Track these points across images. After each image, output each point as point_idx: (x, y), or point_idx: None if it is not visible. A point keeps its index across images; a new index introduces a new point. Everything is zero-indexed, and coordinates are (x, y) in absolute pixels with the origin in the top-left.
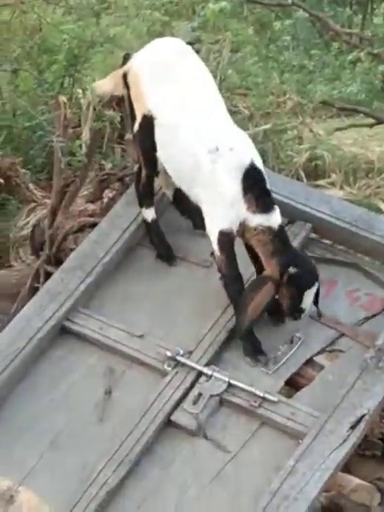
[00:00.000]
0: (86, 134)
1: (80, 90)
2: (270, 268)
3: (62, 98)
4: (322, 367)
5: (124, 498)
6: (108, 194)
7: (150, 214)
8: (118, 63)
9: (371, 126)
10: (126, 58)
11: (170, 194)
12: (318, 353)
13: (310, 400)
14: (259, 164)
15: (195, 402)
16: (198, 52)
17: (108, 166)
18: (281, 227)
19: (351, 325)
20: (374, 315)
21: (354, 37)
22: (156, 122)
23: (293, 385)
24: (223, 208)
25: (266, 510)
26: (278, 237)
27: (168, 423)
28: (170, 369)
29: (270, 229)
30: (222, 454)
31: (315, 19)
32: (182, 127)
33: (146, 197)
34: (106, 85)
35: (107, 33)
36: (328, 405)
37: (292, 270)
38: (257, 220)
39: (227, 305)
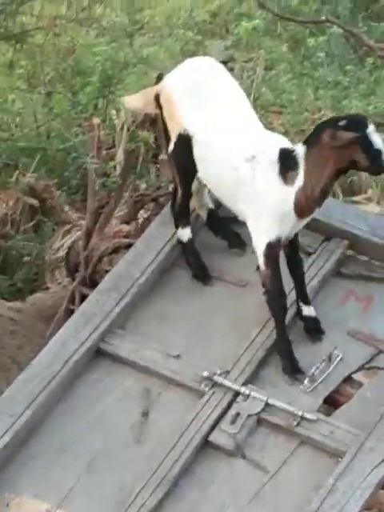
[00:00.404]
0: (120, 155)
1: (114, 111)
2: (321, 140)
3: (96, 120)
4: (360, 384)
5: None
6: (143, 214)
7: (185, 234)
8: (152, 84)
9: None
10: (160, 78)
11: (204, 214)
12: (357, 370)
13: (349, 418)
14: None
15: (233, 422)
16: (231, 70)
17: (142, 186)
18: (304, 142)
19: None
20: None
21: None
22: (194, 140)
23: (331, 403)
24: (269, 216)
25: None
26: (310, 140)
27: (206, 444)
28: (207, 389)
29: (306, 155)
30: (260, 474)
31: (349, 35)
32: (218, 143)
33: (181, 217)
34: (136, 101)
35: (140, 53)
36: (367, 422)
37: (342, 122)
38: (301, 174)
39: (264, 323)
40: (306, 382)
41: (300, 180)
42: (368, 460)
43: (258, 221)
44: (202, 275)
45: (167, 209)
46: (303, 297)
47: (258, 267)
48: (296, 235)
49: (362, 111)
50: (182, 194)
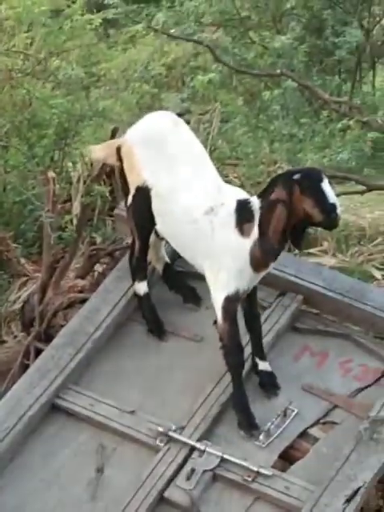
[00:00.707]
0: (76, 208)
1: (70, 164)
2: (275, 194)
3: (51, 174)
4: (316, 439)
5: None
6: (98, 268)
7: (142, 287)
8: (108, 136)
9: (362, 192)
10: (115, 131)
11: (160, 267)
12: (312, 425)
13: (305, 473)
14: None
15: (188, 478)
16: (187, 123)
17: (98, 239)
18: (258, 195)
19: (345, 396)
20: (367, 386)
21: (343, 105)
22: (152, 193)
23: (287, 458)
24: (227, 270)
25: None
26: (264, 195)
27: (161, 500)
28: (162, 445)
29: (260, 209)
30: None
31: (304, 88)
32: (177, 197)
33: (139, 270)
34: (100, 152)
35: (97, 106)
36: (323, 478)
37: (296, 175)
38: (256, 226)
39: (219, 379)
40: (261, 437)
41: (255, 232)
42: None
43: (217, 274)
44: (158, 330)
45: (123, 263)
46: (259, 351)
47: (215, 321)
48: (254, 289)
49: (317, 164)
50: (140, 247)
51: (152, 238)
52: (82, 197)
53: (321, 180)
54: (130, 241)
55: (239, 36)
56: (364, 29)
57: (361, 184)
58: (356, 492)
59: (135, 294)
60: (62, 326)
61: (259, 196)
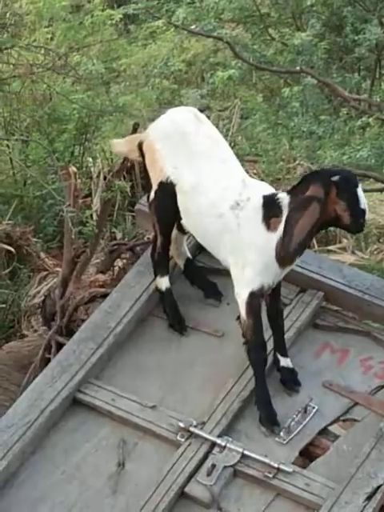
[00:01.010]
0: (96, 204)
1: (90, 159)
2: (310, 190)
3: (72, 168)
4: (336, 437)
5: None
6: (119, 263)
7: (164, 282)
8: (128, 132)
9: (382, 190)
10: (136, 128)
11: (181, 263)
12: (333, 422)
13: (325, 470)
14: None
15: (209, 474)
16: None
17: (118, 235)
18: (288, 192)
19: (365, 393)
20: None
21: (363, 102)
22: (177, 189)
23: (307, 455)
24: (253, 265)
25: None
26: (296, 190)
27: (182, 495)
28: (183, 440)
29: (289, 204)
30: None
31: (324, 85)
32: (202, 191)
33: (161, 265)
34: (122, 146)
35: (117, 102)
36: (343, 475)
37: (335, 177)
38: (284, 217)
39: (240, 374)
40: (282, 433)
41: (282, 227)
42: None
43: (242, 270)
44: (179, 325)
45: (144, 258)
46: (281, 347)
47: (238, 317)
48: (278, 284)
49: (337, 161)
50: (162, 242)
51: (174, 233)
52: (102, 192)
53: (357, 185)
54: (151, 236)
55: (259, 33)
56: None
57: (380, 182)
58: (376, 489)
59: (157, 289)
60: (83, 321)
61: (289, 192)
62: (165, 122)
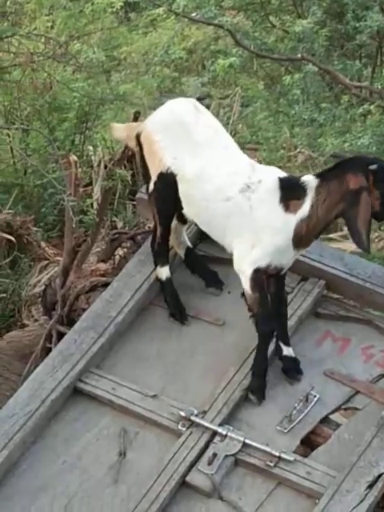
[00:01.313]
0: (97, 193)
1: (91, 148)
2: (352, 182)
3: (73, 157)
4: (338, 425)
5: None
6: (119, 252)
7: (164, 272)
8: (129, 120)
9: None
10: (137, 116)
11: (181, 252)
12: (334, 411)
13: (327, 459)
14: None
15: (210, 463)
16: (207, 107)
17: (119, 224)
18: (317, 175)
19: (366, 382)
20: None
21: (364, 90)
22: (178, 178)
23: (309, 443)
24: (266, 244)
25: None
26: (327, 177)
27: (183, 484)
28: (184, 429)
29: (317, 188)
30: None
31: (325, 73)
32: (207, 178)
33: (161, 255)
34: (121, 131)
35: (117, 90)
36: (345, 463)
37: (373, 166)
38: (308, 204)
39: (241, 363)
40: (283, 422)
41: (305, 210)
42: (345, 502)
43: (251, 248)
44: (180, 315)
45: (144, 247)
46: (284, 336)
47: (242, 294)
48: (283, 274)
49: (338, 149)
50: (162, 232)
51: (173, 223)
52: (103, 181)
53: None
54: (151, 225)
55: (260, 20)
56: None
57: None
58: (378, 478)
59: (157, 279)
60: (84, 310)
61: (318, 175)
62: (163, 113)
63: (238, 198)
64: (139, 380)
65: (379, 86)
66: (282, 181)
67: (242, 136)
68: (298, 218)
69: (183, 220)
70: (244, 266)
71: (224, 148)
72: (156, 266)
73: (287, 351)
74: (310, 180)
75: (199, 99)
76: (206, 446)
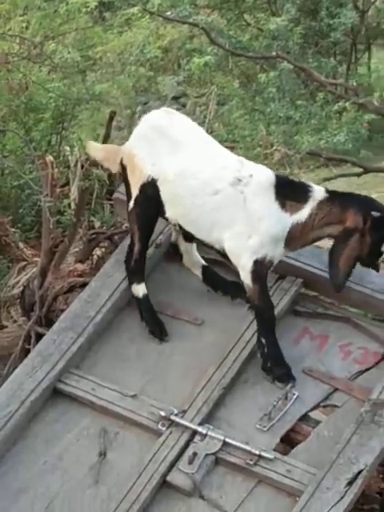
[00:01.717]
0: (74, 193)
1: (68, 148)
2: (350, 219)
3: (49, 158)
4: (317, 422)
5: None
6: (97, 252)
7: (141, 290)
8: (105, 120)
9: (359, 175)
10: (112, 115)
11: (198, 273)
12: (313, 408)
13: (307, 456)
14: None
15: (190, 462)
16: (183, 106)
17: (97, 224)
18: (327, 191)
19: (345, 379)
20: (367, 369)
21: (339, 87)
22: (160, 183)
23: (288, 441)
24: (261, 236)
25: None
26: (336, 195)
27: (164, 484)
28: (164, 429)
29: (321, 202)
30: None
31: (300, 70)
32: (191, 175)
33: (137, 273)
34: (99, 151)
35: (93, 90)
36: (324, 461)
37: (376, 213)
38: (306, 211)
39: (220, 362)
40: (262, 420)
41: (303, 215)
42: (325, 499)
43: (247, 240)
44: (159, 331)
45: (122, 247)
46: None
47: (242, 287)
48: None
49: (314, 146)
50: (140, 249)
51: (183, 245)
52: (80, 181)
53: None
54: (128, 225)
55: (234, 18)
56: (359, 10)
57: (358, 166)
58: (357, 475)
59: (133, 296)
60: (63, 311)
61: (328, 192)
62: (138, 128)
63: (229, 191)
64: (119, 380)
65: (354, 83)
66: (278, 178)
67: (218, 134)
68: (294, 220)
69: (191, 238)
70: (244, 259)
71: (205, 144)
72: (131, 283)
73: None
74: (318, 190)
75: (175, 98)
76: (186, 446)
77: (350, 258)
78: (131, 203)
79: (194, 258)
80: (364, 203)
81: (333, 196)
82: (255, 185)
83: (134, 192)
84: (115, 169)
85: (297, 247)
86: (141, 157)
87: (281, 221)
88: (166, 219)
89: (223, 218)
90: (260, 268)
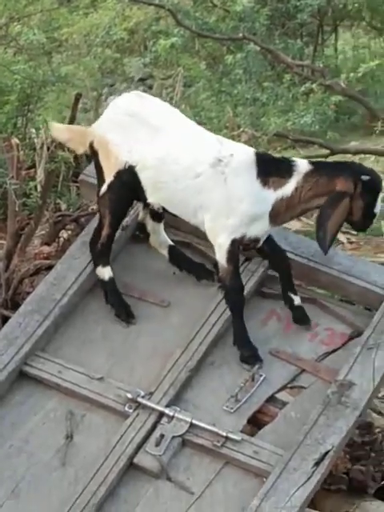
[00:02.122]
0: (40, 175)
1: (33, 130)
2: (340, 184)
3: (15, 140)
4: (284, 404)
5: None
6: (64, 235)
7: (107, 272)
8: (71, 101)
9: (326, 156)
10: (78, 98)
11: (165, 252)
12: (280, 390)
13: (274, 437)
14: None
15: (157, 444)
16: (150, 88)
17: (63, 206)
18: (311, 163)
19: (312, 360)
20: (334, 350)
21: (306, 68)
22: (139, 169)
23: (255, 423)
24: (240, 215)
25: None
26: (321, 166)
27: (131, 466)
28: (130, 411)
29: (306, 174)
30: (185, 496)
31: (266, 52)
32: (172, 158)
33: (103, 256)
34: (63, 132)
35: (59, 72)
36: (291, 442)
37: (365, 177)
38: (292, 185)
39: (187, 344)
40: (229, 402)
41: (287, 190)
42: (292, 480)
43: (226, 219)
44: (125, 314)
45: (88, 229)
46: (291, 287)
47: (215, 264)
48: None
49: (281, 128)
50: (109, 233)
51: (150, 224)
52: (46, 163)
53: (380, 190)
54: (95, 207)
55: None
56: None
57: (324, 147)
58: (324, 455)
59: (99, 279)
60: (29, 293)
61: (312, 163)
62: (109, 112)
63: (210, 173)
64: (85, 362)
65: (321, 65)
66: (259, 156)
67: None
68: (278, 195)
69: (158, 218)
70: (221, 238)
71: (182, 126)
72: (96, 266)
73: (297, 301)
74: (302, 164)
75: (141, 80)
76: (153, 428)
77: (338, 222)
78: (104, 188)
79: (160, 238)
80: (352, 168)
81: (318, 167)
82: (236, 164)
83: (108, 177)
84: (81, 150)
85: (284, 221)
86: (115, 143)
87: (262, 199)
88: (148, 204)
89: (205, 200)
90: (236, 249)
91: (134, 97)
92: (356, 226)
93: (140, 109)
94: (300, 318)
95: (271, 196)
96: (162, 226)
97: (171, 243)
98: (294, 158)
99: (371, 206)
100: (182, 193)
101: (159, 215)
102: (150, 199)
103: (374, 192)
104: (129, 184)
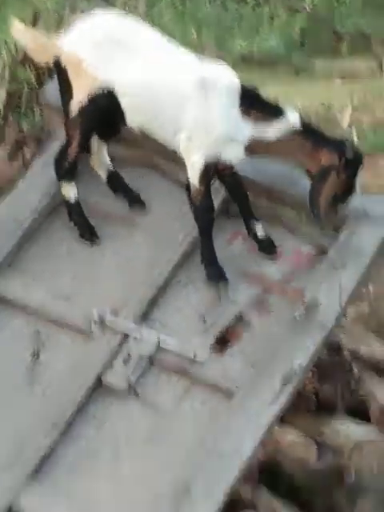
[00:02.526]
0: (1, 96)
1: None
2: (325, 158)
3: None
4: (251, 324)
5: (58, 459)
6: (27, 155)
7: (72, 191)
8: (30, 20)
9: (291, 80)
10: (36, 17)
11: (103, 174)
12: (246, 309)
13: (241, 357)
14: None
15: (125, 363)
16: (112, 6)
17: (26, 127)
18: (305, 123)
19: (278, 281)
20: (300, 270)
21: None
22: (118, 92)
23: (223, 342)
24: (216, 138)
25: (201, 468)
26: (310, 131)
27: (99, 384)
28: (97, 330)
29: (293, 132)
30: (154, 413)
31: None
32: (155, 81)
33: (69, 172)
34: (24, 36)
35: None
36: (259, 361)
37: (350, 153)
38: (275, 129)
39: (153, 263)
40: (197, 322)
41: (269, 133)
42: (261, 398)
43: (202, 139)
44: (89, 235)
45: (51, 149)
46: (251, 213)
47: (187, 186)
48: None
49: (246, 51)
50: (77, 150)
51: (95, 144)
52: (7, 84)
53: (362, 167)
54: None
55: None
56: None
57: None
58: (292, 374)
59: (64, 199)
60: None
61: (303, 125)
62: (83, 30)
63: (193, 94)
64: (50, 282)
65: None
66: (244, 90)
67: None
68: (258, 131)
69: (106, 138)
70: (195, 157)
71: (162, 47)
72: (63, 182)
73: (260, 231)
74: (292, 117)
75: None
76: (121, 346)
77: (328, 196)
78: (75, 109)
79: (101, 159)
80: (337, 143)
81: (307, 129)
82: (218, 89)
83: (80, 98)
84: (43, 61)
85: (258, 156)
86: (90, 63)
87: (240, 126)
88: (125, 125)
89: (186, 121)
90: (209, 170)
91: (112, 16)
92: (337, 199)
93: (119, 29)
94: (265, 248)
95: (249, 127)
96: (105, 147)
97: (112, 168)
98: (288, 108)
99: (352, 179)
100: (163, 115)
101: (108, 134)
102: (130, 122)
103: (355, 168)
104: (105, 107)
